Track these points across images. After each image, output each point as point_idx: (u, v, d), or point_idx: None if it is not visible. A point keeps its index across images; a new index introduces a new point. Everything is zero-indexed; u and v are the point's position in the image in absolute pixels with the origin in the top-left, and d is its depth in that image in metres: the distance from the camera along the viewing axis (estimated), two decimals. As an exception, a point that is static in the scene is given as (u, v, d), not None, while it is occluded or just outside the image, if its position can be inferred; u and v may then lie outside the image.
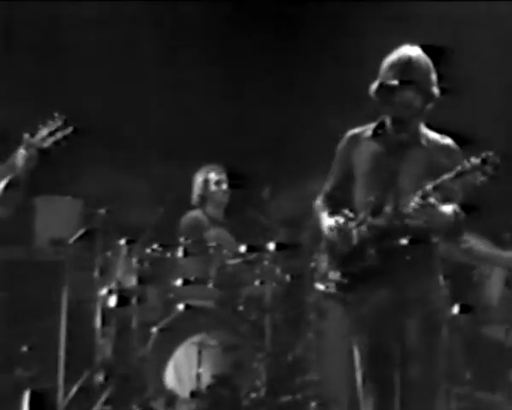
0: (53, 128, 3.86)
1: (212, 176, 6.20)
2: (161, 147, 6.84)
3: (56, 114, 3.89)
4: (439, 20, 6.31)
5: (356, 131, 4.03)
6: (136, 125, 6.78)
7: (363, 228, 3.81)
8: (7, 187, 3.89)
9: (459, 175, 3.61)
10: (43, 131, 3.87)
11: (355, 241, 3.83)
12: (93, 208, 5.97)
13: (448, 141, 3.92)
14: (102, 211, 5.88)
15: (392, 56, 3.89)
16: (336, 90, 6.40)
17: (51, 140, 3.86)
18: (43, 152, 3.88)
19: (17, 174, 3.84)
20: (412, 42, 3.90)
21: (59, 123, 3.87)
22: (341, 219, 3.86)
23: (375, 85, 3.88)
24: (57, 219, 6.47)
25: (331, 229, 3.88)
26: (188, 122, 6.80)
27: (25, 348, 6.00)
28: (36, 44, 6.76)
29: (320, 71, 6.61)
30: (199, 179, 6.24)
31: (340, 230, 3.85)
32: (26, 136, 3.85)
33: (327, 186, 4.09)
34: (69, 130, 3.88)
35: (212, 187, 6.21)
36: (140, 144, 6.81)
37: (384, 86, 3.85)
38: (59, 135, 3.86)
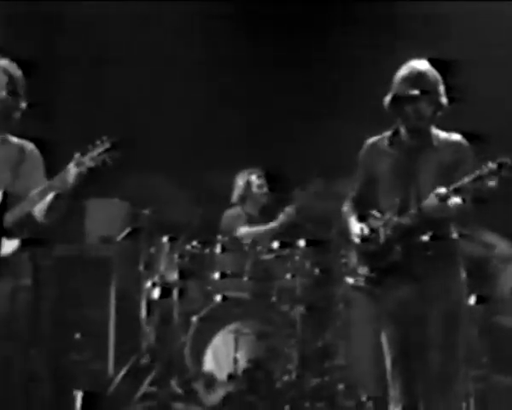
0: (101, 150, 3.86)
1: (254, 179, 6.20)
2: (199, 151, 6.80)
3: (105, 137, 3.88)
4: (446, 33, 6.28)
5: (374, 139, 4.09)
6: (176, 131, 6.73)
7: (389, 228, 3.86)
8: (55, 198, 3.92)
9: (478, 179, 3.66)
10: (93, 152, 3.87)
11: (382, 239, 3.89)
12: (138, 209, 6.00)
13: (457, 137, 3.96)
14: (147, 211, 5.92)
15: (404, 70, 3.94)
16: (359, 98, 6.35)
17: (99, 160, 3.85)
18: (91, 170, 3.87)
19: (66, 188, 3.87)
20: (421, 55, 3.96)
21: (107, 145, 3.87)
22: (366, 229, 3.93)
23: (388, 97, 3.93)
24: (106, 219, 6.49)
25: (357, 236, 3.95)
26: (223, 127, 6.76)
27: (78, 335, 6.01)
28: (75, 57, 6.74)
29: (345, 79, 6.59)
30: (240, 181, 6.24)
31: (363, 238, 3.93)
32: (77, 155, 3.87)
33: (353, 192, 4.14)
34: (116, 154, 3.87)
35: (254, 189, 6.20)
36: (180, 149, 6.76)
37: (397, 98, 3.90)
38: (106, 156, 3.85)
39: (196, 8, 6.82)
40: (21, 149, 4.13)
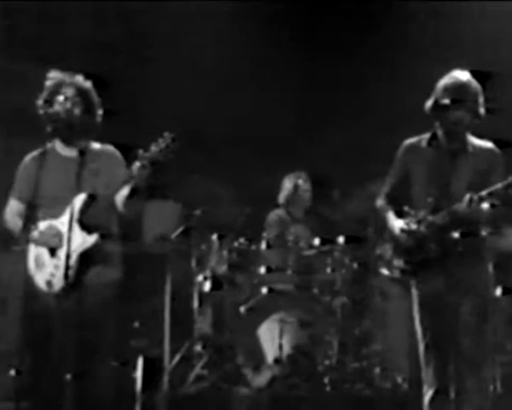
0: (163, 145, 3.88)
1: (301, 182, 6.19)
2: (248, 154, 6.80)
3: (166, 133, 3.91)
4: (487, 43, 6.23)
5: (412, 140, 4.10)
6: (226, 135, 6.75)
7: (423, 225, 3.90)
8: (131, 195, 3.95)
9: (509, 185, 3.71)
10: (155, 147, 3.90)
11: (418, 235, 3.92)
12: (190, 210, 6.04)
13: (490, 145, 3.99)
14: (198, 212, 5.97)
15: (446, 79, 3.97)
16: (396, 104, 6.37)
17: (161, 155, 3.88)
18: (153, 164, 3.88)
19: (135, 183, 3.91)
20: (463, 66, 3.99)
21: (168, 140, 3.90)
22: (412, 224, 3.94)
23: (429, 103, 3.96)
24: (161, 218, 6.53)
25: (402, 230, 3.96)
26: (268, 131, 6.75)
27: (137, 324, 6.11)
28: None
29: (384, 85, 6.53)
30: (288, 184, 6.23)
31: (410, 232, 3.95)
32: (141, 151, 3.90)
33: (386, 188, 4.15)
34: (176, 145, 3.90)
35: (300, 192, 6.19)
36: (229, 152, 6.79)
37: (438, 105, 3.93)
38: (168, 151, 3.88)
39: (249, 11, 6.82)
40: (103, 155, 4.18)
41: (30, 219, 4.10)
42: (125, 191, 4.03)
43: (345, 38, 6.72)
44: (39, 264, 3.96)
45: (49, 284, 3.89)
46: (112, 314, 4.10)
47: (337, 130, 6.66)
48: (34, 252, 4.06)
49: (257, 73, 6.81)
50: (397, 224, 4.00)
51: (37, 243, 4.02)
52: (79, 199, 4.05)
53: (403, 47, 6.47)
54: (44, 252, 3.99)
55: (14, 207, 4.19)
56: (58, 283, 3.95)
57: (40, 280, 3.95)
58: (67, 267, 3.92)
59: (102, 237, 4.03)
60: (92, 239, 4.00)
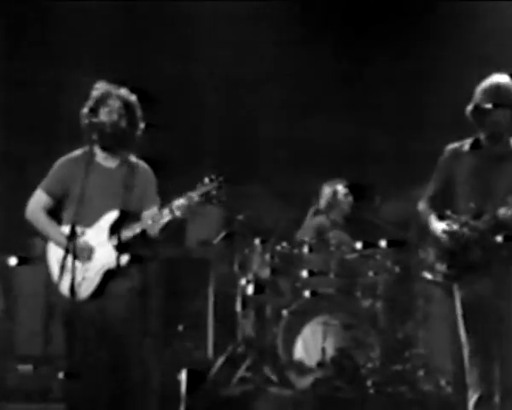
0: (209, 188, 3.89)
1: (341, 188, 6.21)
2: (289, 161, 6.84)
3: (213, 176, 3.92)
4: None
5: (455, 145, 4.10)
6: (267, 140, 6.81)
7: (467, 229, 3.91)
8: (165, 227, 3.98)
9: None
10: (202, 189, 3.91)
11: (461, 240, 3.93)
12: (232, 215, 6.07)
13: None
14: (240, 217, 6.00)
15: (486, 83, 3.98)
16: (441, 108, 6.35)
17: (207, 198, 3.90)
18: (202, 203, 3.93)
19: (175, 218, 3.93)
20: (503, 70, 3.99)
21: (215, 184, 3.90)
22: (455, 226, 3.95)
23: (470, 108, 3.98)
24: (204, 224, 6.55)
25: (444, 231, 3.97)
26: (308, 140, 6.77)
27: (181, 327, 6.17)
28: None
29: (425, 90, 6.52)
30: (328, 190, 6.24)
31: (452, 233, 3.96)
32: (189, 193, 3.90)
33: (429, 191, 4.14)
34: (223, 194, 3.91)
35: (340, 198, 6.22)
36: (270, 159, 6.84)
37: (478, 109, 3.94)
38: (214, 195, 3.89)
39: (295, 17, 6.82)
40: (137, 169, 4.22)
41: (55, 216, 4.16)
42: (152, 211, 4.09)
43: (385, 43, 6.70)
44: (64, 270, 3.87)
45: (73, 290, 3.85)
46: (134, 321, 4.12)
47: (379, 135, 6.67)
48: (56, 257, 4.07)
49: (299, 78, 6.81)
50: (439, 226, 4.01)
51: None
52: (112, 215, 4.10)
53: (445, 51, 6.45)
54: (68, 258, 3.91)
55: (41, 198, 4.18)
56: (84, 292, 4.02)
57: (64, 286, 3.91)
58: (93, 279, 4.03)
59: (134, 258, 4.07)
60: (124, 260, 4.06)
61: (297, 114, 6.75)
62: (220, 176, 3.96)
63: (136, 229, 4.05)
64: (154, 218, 4.03)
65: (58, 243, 4.08)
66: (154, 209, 4.14)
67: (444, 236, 3.97)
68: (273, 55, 6.79)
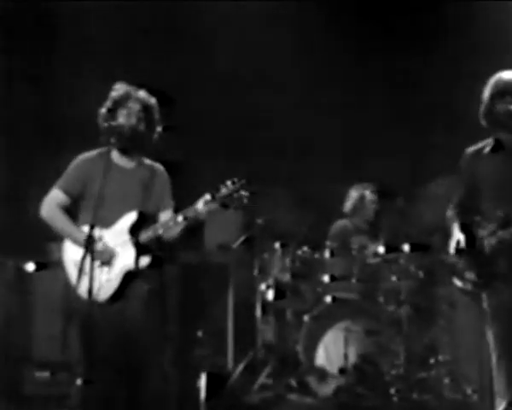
0: (232, 190, 3.90)
1: (368, 194, 6.15)
2: (310, 163, 6.78)
3: (236, 179, 3.91)
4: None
5: (474, 148, 4.02)
6: (287, 142, 6.75)
7: (493, 239, 3.85)
8: (183, 230, 4.00)
9: None
10: (224, 191, 3.91)
11: (487, 249, 3.88)
12: (252, 218, 6.04)
13: None
14: (260, 220, 5.97)
15: (491, 81, 3.92)
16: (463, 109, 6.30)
17: (229, 201, 3.91)
18: (223, 206, 3.95)
19: (196, 218, 3.95)
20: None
21: (238, 186, 3.90)
22: (463, 243, 3.88)
23: (481, 109, 3.92)
24: (223, 227, 6.50)
25: (453, 248, 3.93)
26: (333, 140, 6.72)
27: (200, 333, 6.11)
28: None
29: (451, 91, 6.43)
30: (355, 194, 6.19)
31: (461, 252, 3.91)
32: (208, 195, 3.90)
33: (455, 198, 4.09)
34: (246, 194, 3.90)
35: (366, 203, 6.16)
36: (291, 162, 6.80)
37: (489, 108, 3.89)
38: (236, 198, 3.90)
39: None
40: (153, 172, 4.22)
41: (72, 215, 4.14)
42: (167, 215, 4.09)
43: (408, 44, 6.66)
44: (82, 272, 3.82)
45: (91, 292, 3.81)
46: (152, 323, 4.11)
47: (401, 133, 6.59)
48: (73, 259, 4.05)
49: (323, 81, 6.78)
50: (453, 239, 3.97)
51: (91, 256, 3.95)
52: (131, 216, 4.09)
53: (468, 50, 6.38)
54: (87, 260, 3.88)
55: (57, 196, 4.17)
56: (104, 294, 4.01)
57: (83, 288, 3.87)
58: (113, 281, 4.00)
59: (155, 259, 4.06)
60: (145, 262, 4.05)
61: (312, 114, 6.69)
62: (241, 179, 3.94)
63: (158, 230, 4.05)
64: (173, 222, 4.02)
65: (76, 241, 4.06)
66: (169, 213, 4.13)
67: (452, 251, 3.94)
68: (292, 55, 6.75)
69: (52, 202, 4.17)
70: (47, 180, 4.26)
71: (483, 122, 3.93)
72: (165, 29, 6.72)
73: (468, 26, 6.41)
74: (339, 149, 6.76)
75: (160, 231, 4.04)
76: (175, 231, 4.04)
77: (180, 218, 3.99)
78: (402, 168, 6.55)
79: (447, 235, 4.09)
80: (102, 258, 4.02)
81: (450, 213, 4.10)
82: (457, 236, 3.94)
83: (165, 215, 4.14)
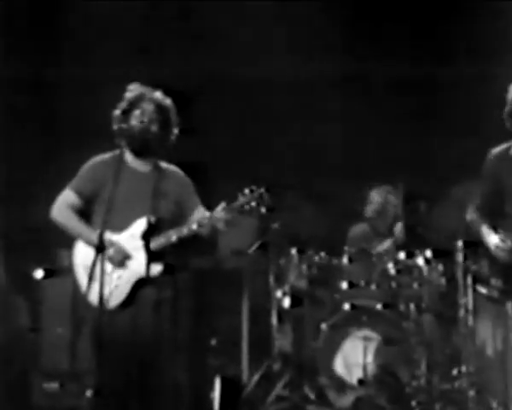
0: (249, 200, 3.91)
1: (391, 197, 6.05)
2: (328, 166, 6.77)
3: (254, 188, 3.91)
4: None
5: (499, 149, 3.94)
6: (304, 148, 6.74)
7: None
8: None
9: None
10: (242, 200, 3.92)
11: None
12: (267, 223, 5.96)
13: None
14: (275, 225, 5.88)
15: None
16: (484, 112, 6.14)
17: (247, 210, 3.92)
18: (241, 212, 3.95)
19: (213, 226, 3.97)
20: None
21: (256, 195, 3.90)
22: (509, 241, 3.78)
23: (506, 110, 3.85)
24: (237, 232, 6.30)
25: (497, 247, 3.81)
26: (348, 146, 6.71)
27: (214, 342, 6.07)
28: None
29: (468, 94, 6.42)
30: (377, 197, 6.10)
31: (505, 249, 3.79)
32: (224, 204, 3.92)
33: (477, 200, 3.99)
34: (264, 204, 3.91)
35: (389, 207, 6.05)
36: (307, 165, 6.77)
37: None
38: (255, 206, 3.91)
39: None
40: (169, 175, 4.15)
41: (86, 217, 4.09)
42: (199, 213, 4.06)
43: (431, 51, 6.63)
44: (93, 277, 3.77)
45: (102, 299, 3.76)
46: (164, 331, 4.05)
47: (425, 138, 6.58)
48: (83, 264, 4.00)
49: (346, 83, 6.76)
50: (492, 239, 3.85)
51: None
52: (143, 222, 4.01)
53: (493, 53, 6.35)
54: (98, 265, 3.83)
55: (70, 198, 4.12)
56: (114, 300, 3.95)
57: (93, 294, 3.82)
58: (123, 287, 3.94)
59: (167, 267, 4.00)
60: (157, 269, 3.99)
61: (331, 116, 6.68)
62: (260, 188, 3.91)
63: (171, 237, 3.97)
64: (185, 229, 3.99)
65: (89, 242, 3.99)
66: (201, 210, 4.08)
67: (498, 251, 3.81)
68: (311, 59, 6.75)
69: (63, 203, 4.12)
70: (60, 184, 4.22)
71: (508, 123, 3.81)
72: (184, 29, 6.72)
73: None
74: (357, 151, 6.70)
75: (174, 238, 3.97)
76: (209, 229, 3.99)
77: (194, 226, 3.95)
78: (425, 171, 6.49)
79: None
80: (115, 260, 3.94)
81: (472, 215, 4.00)
82: (495, 236, 3.81)
83: (197, 214, 4.08)
